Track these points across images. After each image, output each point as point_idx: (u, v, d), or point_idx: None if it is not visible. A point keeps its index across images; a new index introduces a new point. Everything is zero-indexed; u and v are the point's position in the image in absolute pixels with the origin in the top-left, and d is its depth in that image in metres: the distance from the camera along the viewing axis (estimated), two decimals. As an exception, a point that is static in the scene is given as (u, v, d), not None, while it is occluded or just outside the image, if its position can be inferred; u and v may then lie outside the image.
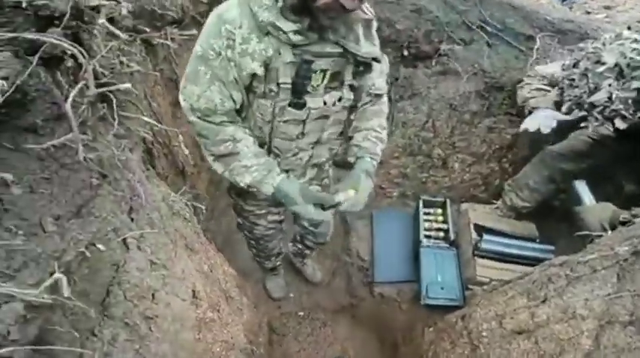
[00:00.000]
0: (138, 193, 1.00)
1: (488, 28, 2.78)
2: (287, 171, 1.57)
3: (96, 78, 1.03)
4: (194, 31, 2.08)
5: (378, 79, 1.53)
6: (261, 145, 1.45)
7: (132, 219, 0.96)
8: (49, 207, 0.68)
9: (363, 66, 1.34)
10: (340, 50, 1.25)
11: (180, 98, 1.28)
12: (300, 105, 1.30)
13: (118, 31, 1.12)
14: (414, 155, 3.02)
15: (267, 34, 1.16)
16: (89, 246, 0.72)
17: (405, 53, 2.79)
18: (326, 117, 1.42)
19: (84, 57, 0.75)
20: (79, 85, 0.70)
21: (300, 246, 2.60)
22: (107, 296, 0.84)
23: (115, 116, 1.01)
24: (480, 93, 2.82)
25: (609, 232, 1.76)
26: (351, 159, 1.63)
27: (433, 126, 2.92)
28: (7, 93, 0.60)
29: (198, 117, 1.27)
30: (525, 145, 2.82)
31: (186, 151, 2.01)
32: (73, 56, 0.78)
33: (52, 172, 0.74)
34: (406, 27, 2.69)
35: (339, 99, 1.40)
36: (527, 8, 2.92)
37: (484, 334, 1.74)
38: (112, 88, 0.93)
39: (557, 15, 3.00)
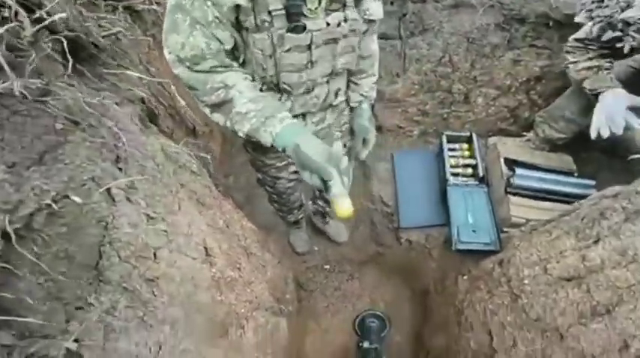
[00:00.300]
0: (122, 141, 0.85)
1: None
2: (304, 116, 1.48)
3: (53, 32, 0.96)
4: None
5: (372, 2, 1.34)
6: (270, 88, 1.33)
7: (120, 169, 0.82)
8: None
9: None
10: None
11: (165, 52, 1.13)
12: (300, 29, 1.14)
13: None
14: (432, 91, 2.80)
15: None
16: (60, 198, 0.59)
17: (413, -14, 2.55)
18: (335, 41, 1.25)
19: None
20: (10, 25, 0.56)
21: (320, 203, 2.51)
22: (100, 259, 0.71)
23: (69, 58, 0.87)
24: (500, 26, 2.58)
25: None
26: (353, 104, 1.63)
27: (450, 61, 2.69)
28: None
29: (188, 68, 1.13)
30: (557, 77, 2.60)
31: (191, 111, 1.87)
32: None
33: (2, 119, 0.60)
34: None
35: (345, 21, 1.23)
36: None
37: (526, 282, 1.57)
38: (46, 22, 0.78)
39: None
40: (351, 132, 1.70)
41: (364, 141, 1.63)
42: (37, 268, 0.54)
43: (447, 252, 2.40)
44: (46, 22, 0.84)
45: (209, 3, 1.04)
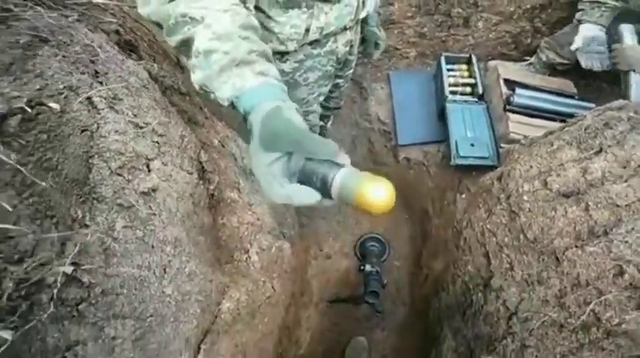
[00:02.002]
0: (100, 57, 0.74)
1: None
2: (334, 35, 1.39)
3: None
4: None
5: None
6: (297, 2, 1.16)
7: (100, 83, 0.72)
8: None
9: None
10: None
11: None
12: None
13: None
14: (430, 14, 2.65)
15: None
16: (35, 104, 0.51)
17: None
18: None
19: None
20: None
21: None
22: (90, 173, 0.65)
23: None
24: (507, -51, 2.42)
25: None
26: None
27: (450, -16, 2.54)
28: None
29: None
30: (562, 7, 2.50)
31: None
32: None
33: None
34: None
35: None
36: None
37: (525, 198, 1.50)
38: None
39: None
40: (362, 40, 1.72)
41: (376, 45, 1.75)
42: (20, 178, 0.48)
43: (445, 170, 2.38)
44: None
45: None
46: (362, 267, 2.23)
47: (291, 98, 0.74)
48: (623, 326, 1.05)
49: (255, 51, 0.75)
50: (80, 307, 0.60)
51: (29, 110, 0.48)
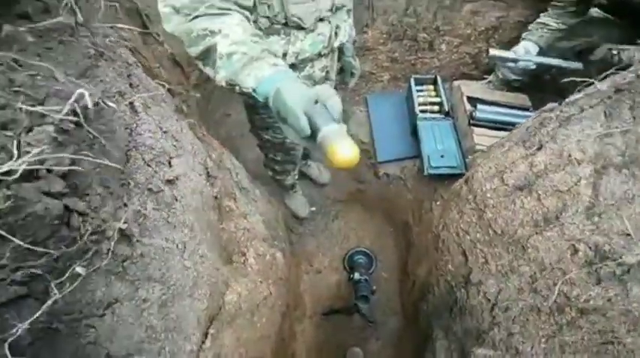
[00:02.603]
0: (133, 72, 0.97)
1: None
2: (312, 62, 1.60)
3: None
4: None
5: None
6: (277, 31, 1.40)
7: (136, 92, 0.95)
8: (57, 68, 0.67)
9: None
10: None
11: (160, 5, 1.07)
12: None
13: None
14: (399, 40, 2.97)
15: None
16: (101, 101, 0.72)
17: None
18: None
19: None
20: None
21: None
22: (127, 162, 0.85)
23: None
24: (459, -20, 2.75)
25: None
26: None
27: (415, 12, 2.85)
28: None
29: (186, 15, 1.04)
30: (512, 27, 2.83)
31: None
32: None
33: (55, 45, 0.73)
34: None
35: None
36: None
37: (488, 195, 1.69)
38: None
39: None
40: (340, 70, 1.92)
41: (352, 74, 1.95)
42: (93, 151, 0.67)
43: (421, 182, 2.60)
44: None
45: None
46: (351, 276, 2.39)
47: (274, 117, 0.99)
48: (591, 302, 1.16)
49: (265, 49, 1.00)
50: (125, 263, 0.79)
51: (103, 104, 0.68)
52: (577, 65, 2.26)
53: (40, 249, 0.55)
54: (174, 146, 1.03)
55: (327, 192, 3.03)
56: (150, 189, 0.88)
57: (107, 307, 0.78)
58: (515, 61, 2.39)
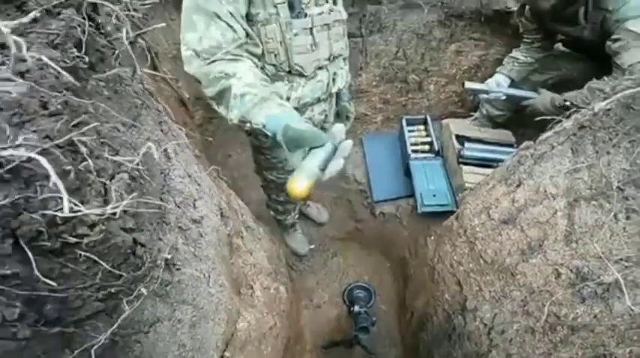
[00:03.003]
0: (164, 120, 1.18)
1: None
2: (312, 106, 1.80)
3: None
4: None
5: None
6: (281, 77, 1.60)
7: (166, 138, 1.14)
8: (115, 116, 0.86)
9: None
10: None
11: (183, 49, 1.32)
12: (302, 15, 1.46)
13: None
14: (391, 82, 3.23)
15: None
16: (151, 151, 0.90)
17: (369, -10, 2.94)
18: (328, 27, 1.59)
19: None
20: (123, 33, 0.86)
21: None
22: (161, 201, 1.03)
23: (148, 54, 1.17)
24: (443, 22, 3.02)
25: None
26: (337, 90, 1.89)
27: (404, 55, 3.11)
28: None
29: (204, 60, 1.29)
30: (493, 65, 3.08)
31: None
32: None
33: (111, 94, 0.90)
34: (366, -33, 2.83)
35: (330, 11, 1.59)
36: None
37: (477, 229, 1.85)
38: (149, 29, 1.08)
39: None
40: (337, 114, 2.11)
41: (347, 118, 2.14)
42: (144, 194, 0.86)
43: (416, 219, 2.77)
44: (148, 29, 1.10)
45: (223, 1, 1.28)
46: (351, 309, 2.52)
47: (278, 157, 1.23)
48: (579, 320, 1.27)
49: (273, 92, 1.23)
50: (167, 288, 0.97)
51: (149, 151, 0.87)
52: (532, 95, 2.48)
53: (117, 272, 0.73)
54: (197, 189, 1.23)
55: (325, 230, 3.19)
56: (180, 227, 1.07)
57: (151, 325, 0.95)
58: (487, 92, 2.61)
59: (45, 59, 0.60)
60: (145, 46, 1.37)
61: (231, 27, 1.30)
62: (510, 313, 1.56)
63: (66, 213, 0.53)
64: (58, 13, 0.76)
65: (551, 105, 2.30)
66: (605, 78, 2.03)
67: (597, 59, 2.30)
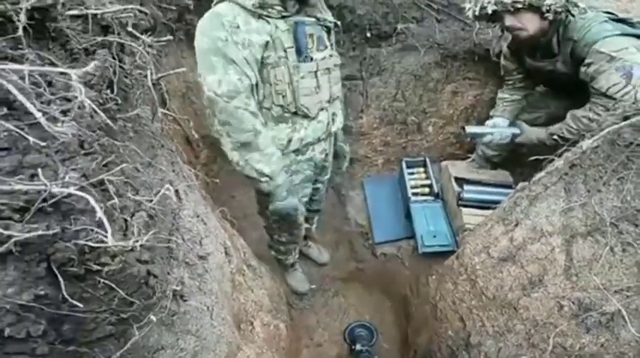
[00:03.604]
0: (177, 160, 1.29)
1: (435, 6, 3.07)
2: (312, 145, 1.93)
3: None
4: (169, 37, 2.35)
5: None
6: (287, 118, 1.74)
7: (178, 179, 1.25)
8: (136, 155, 0.96)
9: (327, 29, 1.74)
10: (314, 19, 1.64)
11: (204, 89, 1.50)
12: (309, 59, 1.61)
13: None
14: (391, 124, 3.35)
15: (259, 17, 1.48)
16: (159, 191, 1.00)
17: (368, 34, 3.07)
18: (329, 71, 1.75)
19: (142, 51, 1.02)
20: (148, 74, 0.97)
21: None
22: (169, 240, 1.12)
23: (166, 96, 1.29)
24: (439, 63, 3.16)
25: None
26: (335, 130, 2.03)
27: (403, 97, 3.24)
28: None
29: (226, 102, 1.48)
30: (488, 104, 3.20)
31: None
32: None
33: (132, 134, 1.01)
34: (365, 12, 2.98)
35: (330, 56, 1.75)
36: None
37: (478, 267, 1.88)
38: (170, 72, 1.21)
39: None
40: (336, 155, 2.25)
41: (344, 158, 2.32)
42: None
43: (417, 259, 2.84)
44: (170, 73, 1.21)
45: (239, 46, 1.44)
46: (353, 348, 2.54)
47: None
48: (586, 349, 1.29)
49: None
50: (173, 317, 1.05)
51: (166, 191, 0.97)
52: (514, 130, 2.57)
53: (130, 299, 0.82)
54: (204, 228, 1.33)
55: (326, 271, 3.23)
56: (187, 263, 1.16)
57: (155, 352, 1.03)
58: (484, 135, 2.65)
59: (87, 100, 0.70)
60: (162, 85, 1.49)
61: (245, 74, 1.47)
62: (515, 346, 1.59)
63: (110, 243, 0.62)
64: (93, 52, 0.88)
65: (537, 140, 2.42)
66: (587, 105, 2.12)
67: (575, 95, 2.36)
